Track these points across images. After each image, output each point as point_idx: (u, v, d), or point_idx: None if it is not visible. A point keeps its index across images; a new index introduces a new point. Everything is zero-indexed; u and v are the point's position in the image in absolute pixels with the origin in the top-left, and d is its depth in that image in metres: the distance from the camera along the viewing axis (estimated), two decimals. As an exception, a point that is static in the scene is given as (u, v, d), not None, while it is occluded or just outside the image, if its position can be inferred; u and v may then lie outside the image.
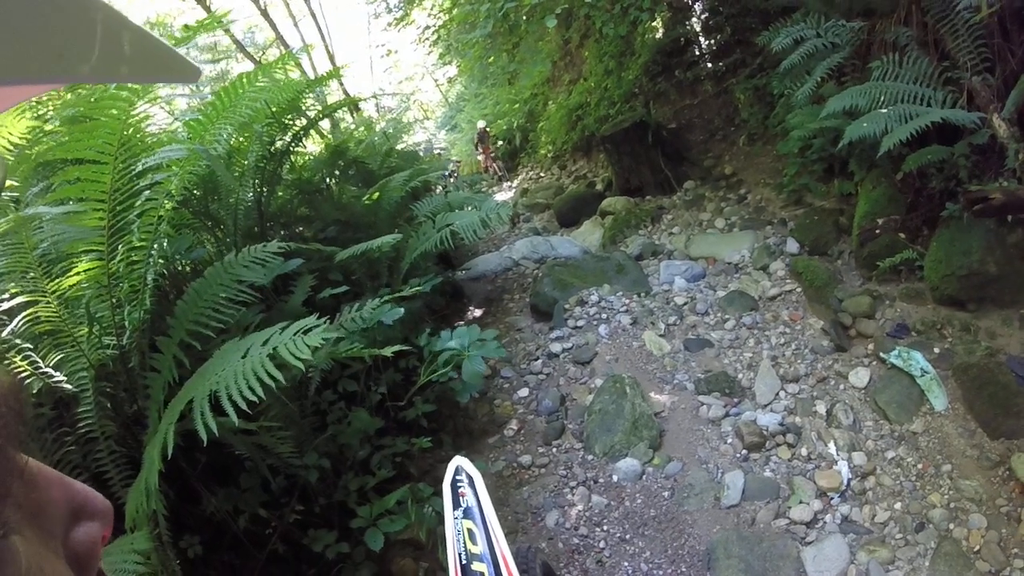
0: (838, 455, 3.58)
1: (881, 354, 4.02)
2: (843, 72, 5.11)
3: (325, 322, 2.26)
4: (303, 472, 3.01)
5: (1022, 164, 3.78)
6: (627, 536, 3.43)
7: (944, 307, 4.16)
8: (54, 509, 0.45)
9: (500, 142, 15.13)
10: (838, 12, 5.08)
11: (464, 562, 1.94)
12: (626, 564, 3.29)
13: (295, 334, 2.15)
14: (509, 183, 13.79)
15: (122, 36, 0.38)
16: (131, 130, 2.31)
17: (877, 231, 4.62)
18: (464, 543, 2.00)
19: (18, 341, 2.40)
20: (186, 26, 3.52)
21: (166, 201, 2.75)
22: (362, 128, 8.31)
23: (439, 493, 3.31)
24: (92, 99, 2.63)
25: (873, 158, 4.68)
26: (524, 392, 4.76)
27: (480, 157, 14.66)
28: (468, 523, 2.07)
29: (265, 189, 4.64)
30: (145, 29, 0.40)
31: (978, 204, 3.80)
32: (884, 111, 4.08)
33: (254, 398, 1.87)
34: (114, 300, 2.54)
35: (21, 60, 0.31)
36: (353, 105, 8.68)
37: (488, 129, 14.47)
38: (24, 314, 2.41)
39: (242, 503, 2.83)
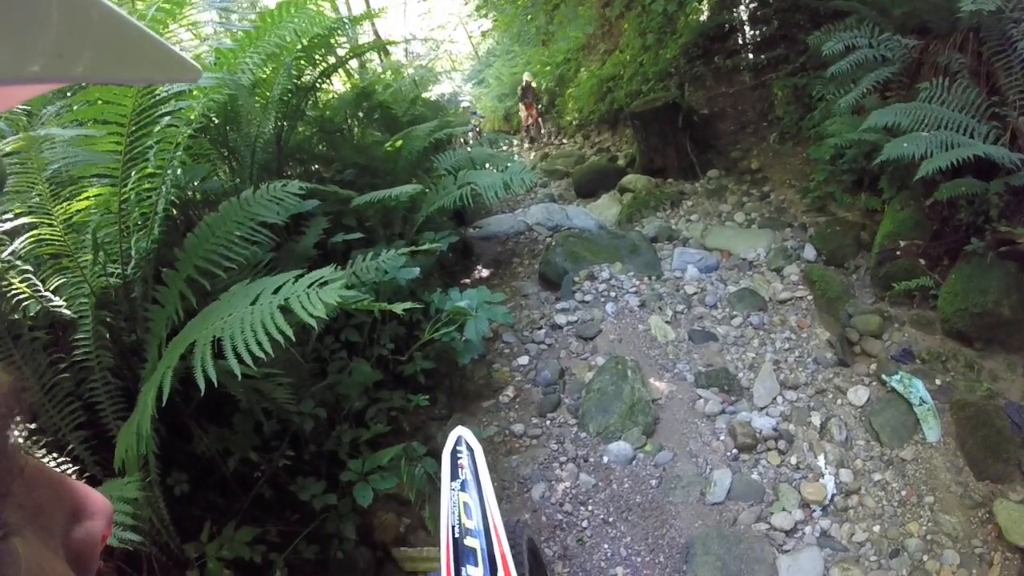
0: (826, 469, 3.59)
1: (883, 376, 4.00)
2: (888, 87, 4.99)
3: (343, 276, 2.22)
4: (297, 419, 3.00)
5: (1055, 214, 3.73)
6: (610, 519, 3.46)
7: (952, 340, 4.13)
8: (54, 509, 0.46)
9: (542, 102, 13.87)
10: (892, 25, 4.94)
11: (457, 536, 1.94)
12: (606, 546, 3.32)
13: (309, 286, 2.10)
14: (537, 144, 13.24)
15: (122, 36, 0.37)
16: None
17: (898, 252, 4.56)
18: (459, 516, 2.00)
19: (18, 262, 2.36)
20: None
21: (185, 128, 2.69)
22: (390, 72, 8.16)
23: (431, 453, 3.35)
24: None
25: (905, 179, 4.60)
26: (524, 360, 4.76)
27: (523, 113, 13.54)
28: (464, 496, 2.07)
29: (286, 124, 4.58)
30: (147, 29, 0.39)
31: (1004, 245, 3.75)
32: (925, 134, 3.98)
33: (261, 354, 1.83)
34: (123, 227, 2.49)
35: (22, 60, 0.31)
36: (383, 48, 8.51)
37: (533, 84, 13.37)
38: (27, 236, 2.36)
39: (234, 445, 2.83)
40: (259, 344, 1.84)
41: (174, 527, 2.41)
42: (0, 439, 0.39)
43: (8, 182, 2.23)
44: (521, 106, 13.45)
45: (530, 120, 13.43)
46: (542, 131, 13.45)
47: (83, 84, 2.76)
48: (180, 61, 0.42)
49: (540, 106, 13.67)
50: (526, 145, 13.54)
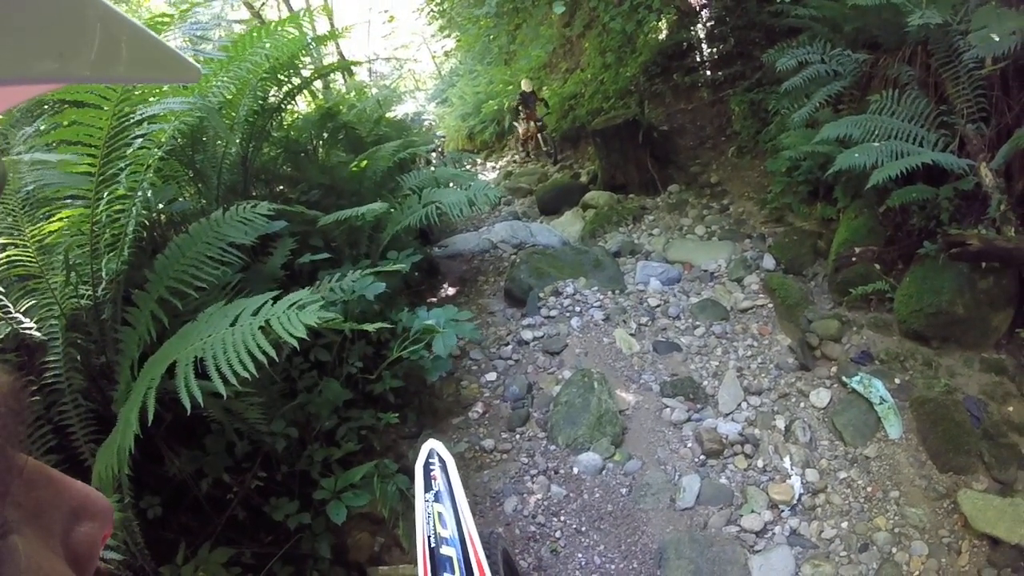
0: (792, 470, 3.69)
1: (843, 378, 4.13)
2: (841, 100, 5.20)
3: (321, 299, 2.25)
4: (268, 439, 2.99)
5: (1003, 215, 3.89)
6: (583, 528, 3.50)
7: (909, 340, 4.28)
8: (54, 509, 0.46)
9: (548, 111, 11.64)
10: (844, 41, 5.16)
11: (433, 545, 1.97)
12: (580, 556, 3.36)
13: (289, 308, 2.12)
14: (538, 160, 11.84)
15: (122, 36, 0.38)
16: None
17: (853, 259, 4.72)
18: (434, 526, 2.02)
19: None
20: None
21: (156, 150, 2.69)
22: (354, 92, 8.19)
23: (403, 470, 3.36)
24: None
25: (859, 188, 4.78)
26: (492, 376, 4.79)
27: (521, 126, 11.79)
28: (439, 507, 2.09)
29: (252, 145, 4.57)
30: (145, 28, 0.39)
31: (955, 248, 3.91)
32: (877, 145, 4.16)
33: (245, 373, 1.85)
34: (93, 249, 2.49)
35: (21, 60, 0.31)
36: (347, 68, 8.54)
37: (535, 91, 11.44)
38: (-1, 257, 2.35)
39: (206, 466, 2.81)
40: (242, 364, 1.86)
41: (148, 551, 2.38)
42: (0, 439, 0.39)
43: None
44: (524, 117, 11.61)
45: (532, 132, 11.57)
46: (543, 147, 11.56)
47: (60, 104, 2.75)
48: (181, 62, 0.44)
49: (543, 117, 11.44)
50: (515, 159, 12.80)
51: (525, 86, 11.31)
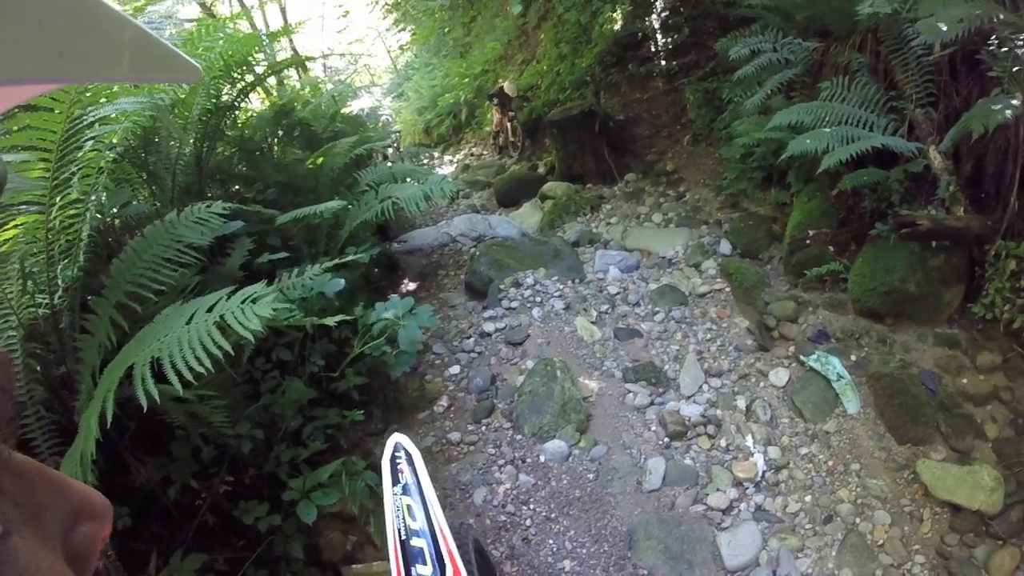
0: (755, 448, 3.78)
1: (801, 357, 4.24)
2: (793, 88, 5.31)
3: (275, 291, 2.24)
4: (234, 442, 2.96)
5: (952, 195, 4.04)
6: (553, 515, 3.53)
7: (864, 319, 4.41)
8: (54, 509, 0.46)
9: (527, 103, 10.93)
10: (796, 29, 5.27)
11: (403, 538, 1.98)
12: (551, 542, 3.39)
13: (243, 302, 2.11)
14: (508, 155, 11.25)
15: (123, 36, 0.38)
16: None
17: (808, 241, 4.85)
18: (403, 519, 2.03)
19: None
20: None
21: (108, 152, 2.64)
22: (308, 89, 8.08)
23: (371, 467, 3.35)
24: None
25: (811, 173, 4.89)
26: (455, 369, 4.78)
27: (495, 116, 11.08)
28: (407, 499, 2.10)
29: (206, 145, 4.49)
30: (146, 29, 0.40)
31: (906, 228, 4.04)
32: (828, 130, 4.27)
33: (201, 369, 1.83)
34: (49, 256, 2.43)
35: (22, 60, 0.31)
36: (301, 64, 8.43)
37: (519, 94, 10.68)
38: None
39: (173, 472, 2.77)
40: (198, 360, 1.83)
41: (120, 562, 2.35)
42: None
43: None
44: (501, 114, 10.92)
45: (498, 126, 11.14)
46: (511, 139, 10.99)
47: (11, 110, 2.67)
48: (182, 61, 0.43)
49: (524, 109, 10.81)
50: (472, 152, 12.57)
51: (509, 90, 10.59)
